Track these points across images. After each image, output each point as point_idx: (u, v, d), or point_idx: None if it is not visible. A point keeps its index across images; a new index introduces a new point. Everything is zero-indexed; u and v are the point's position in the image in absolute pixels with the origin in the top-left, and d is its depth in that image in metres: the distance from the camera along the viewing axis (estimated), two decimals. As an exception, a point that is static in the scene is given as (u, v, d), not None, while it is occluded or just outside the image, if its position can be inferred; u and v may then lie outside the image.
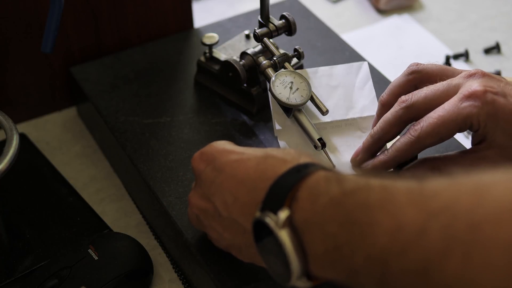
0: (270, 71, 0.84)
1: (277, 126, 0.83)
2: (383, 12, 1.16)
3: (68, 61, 0.99)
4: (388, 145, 0.77)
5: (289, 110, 0.81)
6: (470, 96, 0.70)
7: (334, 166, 0.79)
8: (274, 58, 0.85)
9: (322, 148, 0.79)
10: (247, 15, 1.04)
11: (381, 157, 0.76)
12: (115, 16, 0.99)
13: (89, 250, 0.79)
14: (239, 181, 0.65)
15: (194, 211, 0.71)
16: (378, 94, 0.91)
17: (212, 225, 0.70)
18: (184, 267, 0.81)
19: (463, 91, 0.70)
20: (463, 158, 0.73)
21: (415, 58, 1.07)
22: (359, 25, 1.14)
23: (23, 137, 0.96)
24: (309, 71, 0.87)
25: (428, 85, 0.74)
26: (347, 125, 0.83)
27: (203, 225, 0.72)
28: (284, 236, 0.58)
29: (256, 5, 0.92)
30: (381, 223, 0.53)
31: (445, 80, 0.74)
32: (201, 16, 1.13)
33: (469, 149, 0.74)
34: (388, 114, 0.76)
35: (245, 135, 0.88)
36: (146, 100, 0.93)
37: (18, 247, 0.83)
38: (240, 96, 0.90)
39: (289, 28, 0.88)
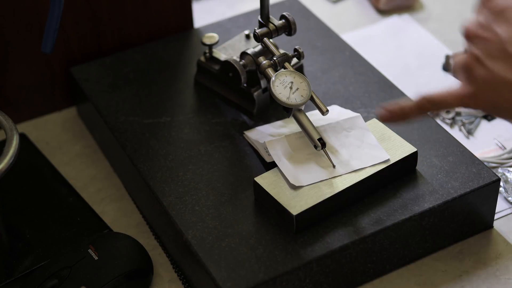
0: (270, 71, 0.84)
1: (269, 138, 0.83)
2: (383, 12, 1.16)
3: (68, 61, 0.99)
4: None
5: (289, 110, 0.81)
6: None
7: (334, 165, 0.80)
8: (274, 58, 0.85)
9: (322, 148, 0.79)
10: (247, 15, 1.04)
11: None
12: (115, 16, 0.99)
13: (89, 250, 0.79)
14: None
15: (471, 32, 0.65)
16: (374, 95, 0.91)
17: (481, 56, 0.64)
18: (184, 267, 0.81)
19: None
20: None
21: (415, 58, 1.07)
22: (359, 25, 1.14)
23: (23, 137, 0.96)
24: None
25: None
26: (331, 128, 0.83)
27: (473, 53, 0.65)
28: None
29: (256, 5, 0.92)
30: None
31: None
32: (201, 16, 1.13)
33: None
34: None
35: (245, 135, 0.88)
36: (146, 100, 0.93)
37: (18, 247, 0.83)
38: (240, 96, 0.90)
39: (289, 28, 0.88)
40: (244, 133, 0.87)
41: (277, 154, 0.81)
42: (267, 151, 0.83)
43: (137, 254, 0.80)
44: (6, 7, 0.92)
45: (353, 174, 0.79)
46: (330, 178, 0.79)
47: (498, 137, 0.95)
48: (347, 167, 0.80)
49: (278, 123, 0.88)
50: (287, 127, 0.87)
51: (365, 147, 0.82)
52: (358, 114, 0.85)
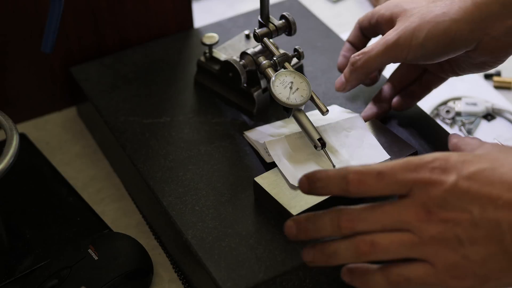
0: (270, 71, 0.84)
1: (269, 138, 0.83)
2: (383, 12, 1.15)
3: (68, 61, 0.99)
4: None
5: (289, 110, 0.81)
6: None
7: (334, 166, 0.79)
8: (274, 58, 0.85)
9: (322, 148, 0.79)
10: (247, 15, 1.04)
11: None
12: (115, 16, 0.99)
13: (89, 250, 0.79)
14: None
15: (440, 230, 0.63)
16: (374, 95, 0.91)
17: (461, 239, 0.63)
18: (184, 267, 0.81)
19: None
20: None
21: (415, 58, 1.07)
22: (359, 25, 1.14)
23: (23, 137, 0.96)
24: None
25: None
26: (331, 128, 0.83)
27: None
28: None
29: (256, 5, 0.92)
30: None
31: None
32: (201, 16, 1.13)
33: None
34: None
35: (245, 135, 0.88)
36: (146, 100, 0.93)
37: (18, 247, 0.83)
38: (240, 96, 0.90)
39: (289, 28, 0.88)
40: (244, 133, 0.87)
41: (277, 154, 0.81)
42: (267, 151, 0.83)
43: (137, 254, 0.80)
44: (6, 7, 0.92)
45: (353, 174, 0.79)
46: (330, 178, 0.79)
47: (498, 137, 0.95)
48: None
49: (278, 123, 0.88)
50: (287, 127, 0.87)
51: (365, 147, 0.82)
52: (358, 114, 0.85)
